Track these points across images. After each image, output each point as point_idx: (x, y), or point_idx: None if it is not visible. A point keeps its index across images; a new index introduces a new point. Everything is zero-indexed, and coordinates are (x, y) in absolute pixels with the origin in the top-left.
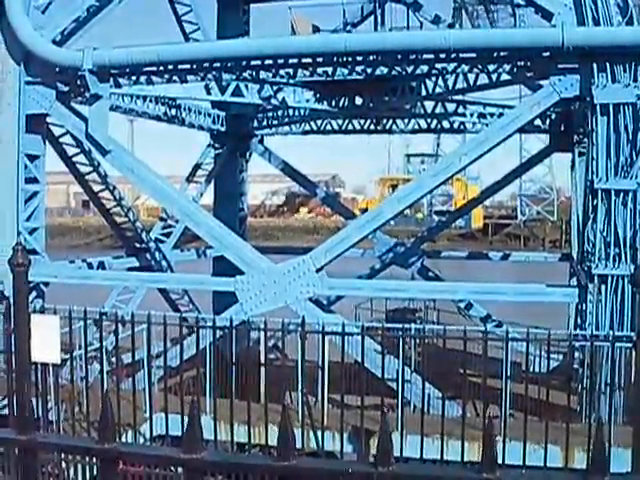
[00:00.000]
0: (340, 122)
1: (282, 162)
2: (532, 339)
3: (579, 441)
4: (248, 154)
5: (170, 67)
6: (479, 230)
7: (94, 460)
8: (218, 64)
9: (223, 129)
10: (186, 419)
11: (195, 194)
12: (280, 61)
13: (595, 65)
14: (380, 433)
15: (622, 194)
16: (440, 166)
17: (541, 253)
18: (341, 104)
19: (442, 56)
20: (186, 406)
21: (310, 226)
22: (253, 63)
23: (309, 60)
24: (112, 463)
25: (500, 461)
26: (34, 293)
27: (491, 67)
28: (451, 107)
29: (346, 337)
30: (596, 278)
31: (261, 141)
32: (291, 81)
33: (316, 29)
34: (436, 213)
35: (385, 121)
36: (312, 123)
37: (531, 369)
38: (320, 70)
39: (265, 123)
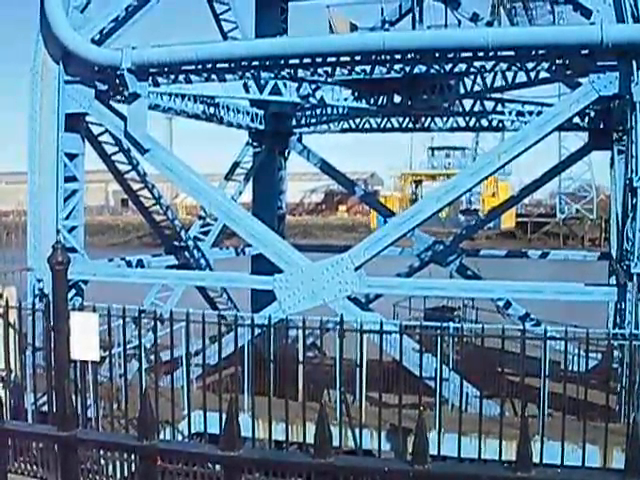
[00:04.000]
0: (378, 120)
1: (321, 160)
2: (571, 338)
3: (618, 441)
4: (287, 152)
5: (208, 66)
6: (510, 231)
7: (133, 457)
8: (256, 62)
9: (262, 127)
10: (224, 417)
11: (234, 192)
12: (318, 59)
13: (635, 62)
14: (416, 432)
15: None
16: (478, 164)
17: (580, 252)
18: (379, 102)
19: (480, 54)
20: (224, 404)
21: (349, 224)
22: (291, 62)
23: (347, 58)
24: (151, 460)
25: (538, 460)
26: (73, 291)
27: (530, 65)
28: (490, 105)
29: (384, 335)
30: (635, 277)
31: (300, 139)
32: (329, 79)
33: (354, 27)
34: (462, 212)
35: (424, 119)
36: (350, 121)
37: (570, 368)
38: (358, 68)
39: (303, 121)
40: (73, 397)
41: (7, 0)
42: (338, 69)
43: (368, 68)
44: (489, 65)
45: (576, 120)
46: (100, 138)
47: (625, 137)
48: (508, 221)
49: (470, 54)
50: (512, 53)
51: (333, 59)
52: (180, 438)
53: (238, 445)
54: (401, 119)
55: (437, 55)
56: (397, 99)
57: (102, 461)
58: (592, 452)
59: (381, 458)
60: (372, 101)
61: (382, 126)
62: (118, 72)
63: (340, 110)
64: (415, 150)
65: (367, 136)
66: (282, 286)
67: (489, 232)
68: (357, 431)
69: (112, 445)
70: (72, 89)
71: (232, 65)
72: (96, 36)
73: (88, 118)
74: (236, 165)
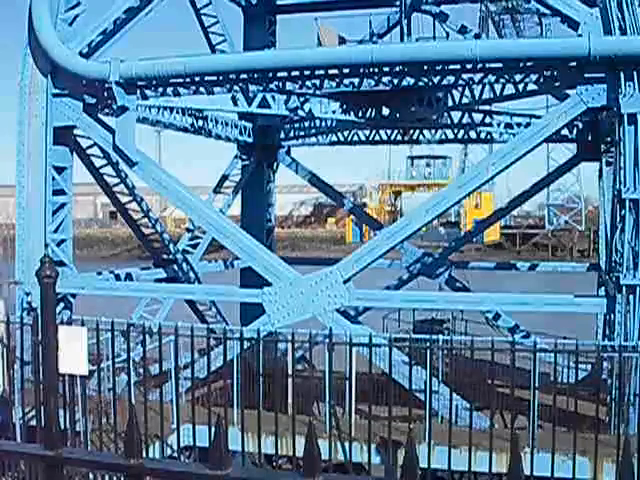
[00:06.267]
0: (367, 133)
1: (309, 173)
2: (560, 350)
3: (608, 452)
4: (275, 165)
5: (197, 79)
6: (495, 244)
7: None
8: (245, 75)
9: (250, 140)
10: (213, 431)
11: (222, 205)
12: (307, 72)
13: (622, 74)
14: (406, 449)
15: None
16: (467, 176)
17: (569, 263)
18: (368, 115)
19: (468, 66)
20: (214, 417)
21: (337, 236)
22: (280, 74)
23: (335, 71)
24: (138, 478)
25: (529, 472)
26: (62, 305)
27: (518, 77)
28: (478, 117)
29: (374, 348)
30: (624, 288)
31: (288, 152)
32: (318, 92)
33: (342, 40)
34: (442, 225)
35: (412, 132)
36: (339, 134)
37: (559, 380)
38: (347, 81)
39: (292, 134)
40: (61, 412)
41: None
42: (326, 82)
43: (356, 81)
44: (477, 77)
45: (564, 132)
46: (88, 151)
47: (613, 149)
48: (492, 234)
49: (458, 66)
50: (500, 65)
51: (321, 72)
52: (169, 452)
53: (227, 464)
54: (390, 131)
55: (425, 67)
56: (385, 111)
57: (90, 475)
58: (582, 463)
59: (370, 476)
60: (360, 114)
61: (371, 138)
62: (106, 85)
63: (329, 123)
64: (398, 159)
65: (357, 148)
66: (271, 299)
67: (474, 245)
68: (347, 444)
69: (98, 464)
70: (60, 102)
71: (220, 78)
72: (84, 49)
73: (76, 131)
74: (225, 178)
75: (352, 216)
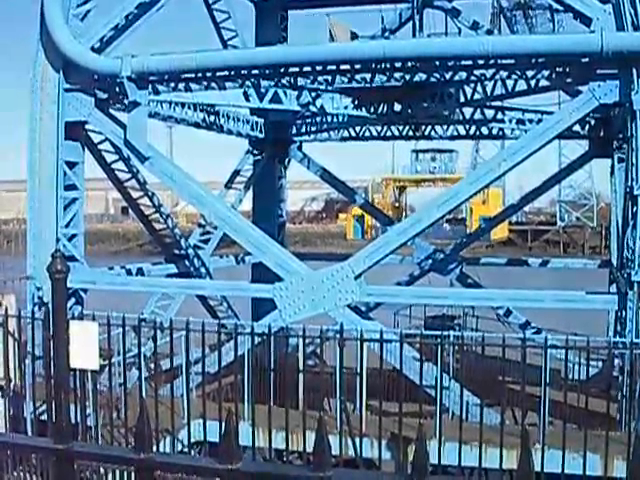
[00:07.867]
0: (379, 129)
1: (321, 168)
2: (571, 346)
3: (619, 449)
4: (287, 160)
5: (208, 74)
6: (501, 242)
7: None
8: (256, 71)
9: (262, 136)
10: (224, 426)
11: (234, 200)
12: (318, 68)
13: (635, 71)
14: (416, 447)
15: None
16: (479, 172)
17: (580, 260)
18: (380, 111)
19: (481, 62)
20: (224, 412)
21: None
22: (291, 70)
23: (347, 67)
24: (148, 472)
25: (539, 469)
26: (73, 300)
27: (530, 73)
28: (490, 113)
29: (384, 344)
30: (636, 285)
31: (300, 147)
32: (329, 88)
33: (354, 36)
34: (448, 221)
35: (424, 127)
36: (351, 130)
37: (570, 376)
38: (358, 77)
39: (304, 130)
40: (72, 406)
41: (6, 9)
42: (338, 77)
43: (368, 76)
44: (489, 73)
45: (576, 128)
46: (100, 146)
47: (625, 145)
48: (499, 232)
49: (470, 62)
50: (512, 61)
51: (333, 67)
52: (180, 447)
53: (237, 458)
54: (401, 127)
55: (437, 63)
56: (397, 107)
57: (101, 470)
58: (593, 461)
59: (380, 471)
60: (372, 109)
61: (382, 134)
62: (118, 80)
63: (340, 118)
64: (403, 153)
65: (365, 142)
66: (282, 295)
67: (484, 242)
68: (357, 440)
69: (109, 458)
70: (72, 97)
71: (232, 73)
72: (96, 44)
73: (88, 126)
74: (236, 173)
75: (354, 213)
